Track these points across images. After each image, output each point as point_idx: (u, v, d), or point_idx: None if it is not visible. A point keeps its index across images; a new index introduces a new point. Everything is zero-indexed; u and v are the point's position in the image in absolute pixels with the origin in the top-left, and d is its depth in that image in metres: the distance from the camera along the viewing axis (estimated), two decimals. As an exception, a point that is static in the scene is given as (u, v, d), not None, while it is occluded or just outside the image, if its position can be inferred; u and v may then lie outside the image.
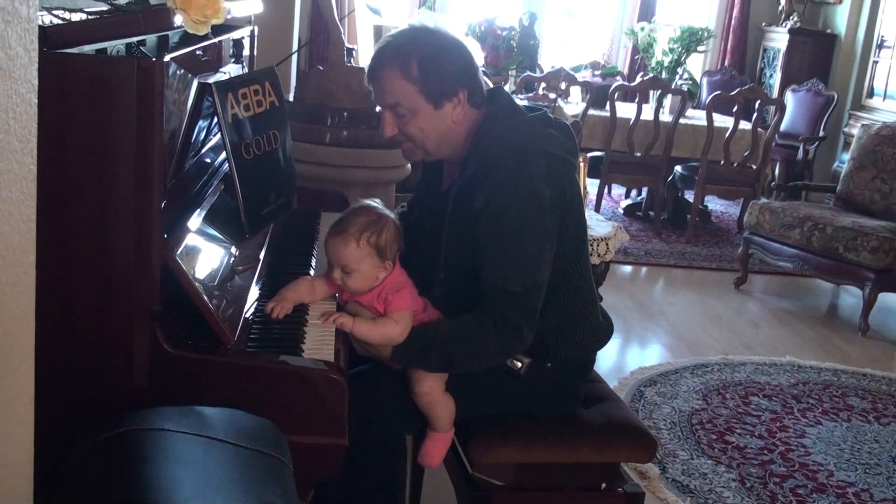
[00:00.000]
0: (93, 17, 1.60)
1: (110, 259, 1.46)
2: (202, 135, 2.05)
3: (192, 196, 1.80)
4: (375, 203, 1.95)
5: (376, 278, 1.90)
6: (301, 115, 3.38)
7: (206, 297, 1.53)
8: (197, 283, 1.53)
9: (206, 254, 1.69)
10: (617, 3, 8.73)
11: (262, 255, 1.96)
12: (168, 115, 1.54)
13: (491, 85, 2.18)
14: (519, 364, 2.03)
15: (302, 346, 1.73)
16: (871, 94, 7.72)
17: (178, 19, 1.56)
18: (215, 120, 1.96)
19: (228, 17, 1.97)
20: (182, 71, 1.64)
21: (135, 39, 1.69)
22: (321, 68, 3.54)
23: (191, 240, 1.62)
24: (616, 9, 8.75)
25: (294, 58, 4.82)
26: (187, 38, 1.98)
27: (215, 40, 2.05)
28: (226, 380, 1.55)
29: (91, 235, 1.45)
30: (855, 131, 7.60)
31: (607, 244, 3.19)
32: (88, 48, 1.47)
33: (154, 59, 1.42)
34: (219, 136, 2.17)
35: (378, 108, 2.04)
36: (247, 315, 1.77)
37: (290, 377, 1.57)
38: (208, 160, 2.08)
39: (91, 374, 1.52)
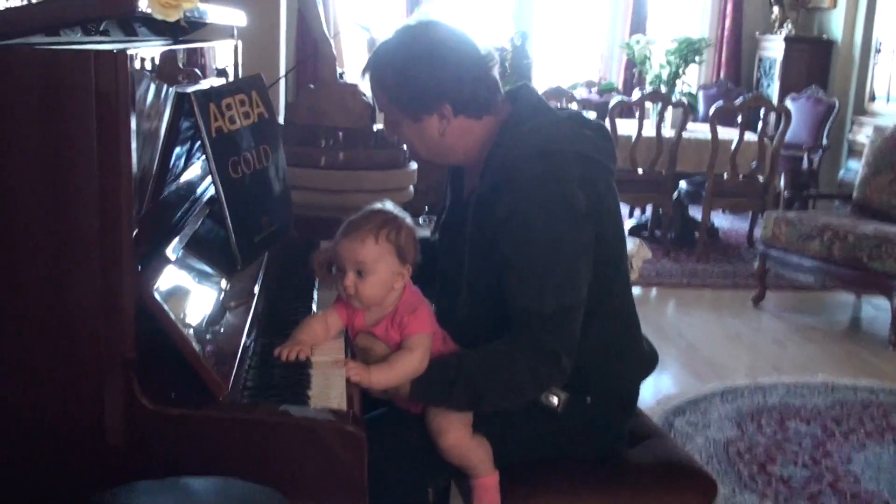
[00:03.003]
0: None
1: (71, 298, 1.20)
2: (183, 156, 1.80)
3: (173, 224, 1.55)
4: (388, 205, 1.71)
5: (392, 287, 1.66)
6: (292, 139, 3.13)
7: (191, 340, 1.27)
8: (180, 324, 1.27)
9: (190, 289, 1.44)
10: (608, 18, 8.54)
11: (256, 289, 1.70)
12: (139, 125, 1.29)
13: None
14: (555, 400, 1.77)
15: (308, 392, 1.47)
16: (872, 98, 7.52)
17: (143, 2, 1.30)
18: (198, 139, 1.71)
19: (207, 19, 1.73)
20: (152, 74, 1.39)
21: (99, 47, 1.44)
22: (312, 87, 3.29)
23: (171, 273, 1.37)
24: (607, 24, 8.56)
25: (282, 68, 4.59)
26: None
27: (194, 46, 1.81)
28: (218, 440, 1.28)
29: (45, 270, 1.20)
30: (859, 137, 7.43)
31: (631, 262, 2.94)
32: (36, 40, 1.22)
33: (116, 52, 1.17)
34: (202, 155, 1.92)
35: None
36: (241, 359, 1.50)
37: (296, 432, 1.30)
38: (191, 184, 1.82)
39: (54, 440, 1.26)
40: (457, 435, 1.68)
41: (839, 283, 4.75)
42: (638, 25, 8.11)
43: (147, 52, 1.45)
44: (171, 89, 1.60)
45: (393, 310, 1.68)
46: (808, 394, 3.82)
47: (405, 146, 1.84)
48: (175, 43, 1.69)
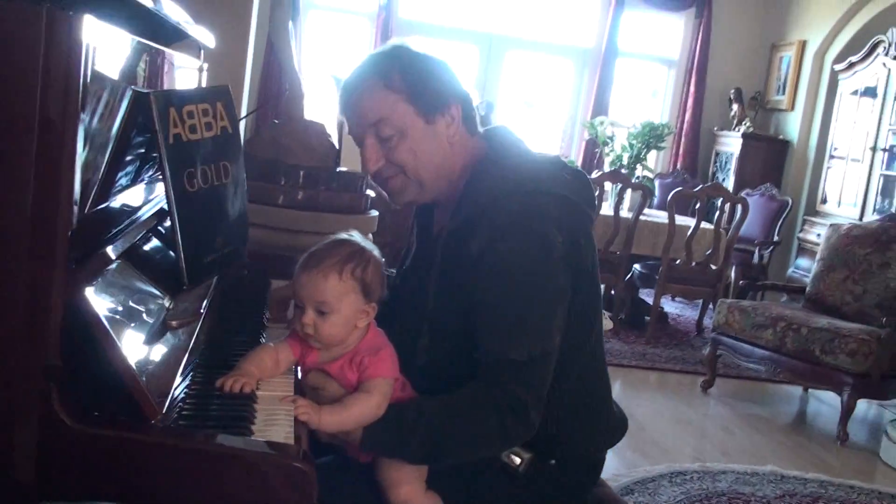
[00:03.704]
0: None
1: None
2: (135, 165, 1.66)
3: (117, 231, 1.40)
4: (354, 236, 1.58)
5: (355, 326, 1.52)
6: (251, 172, 2.98)
7: (124, 353, 1.12)
8: (113, 332, 1.11)
9: (128, 298, 1.28)
10: (571, 96, 8.62)
11: (203, 310, 1.54)
12: (91, 112, 1.16)
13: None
14: (518, 460, 1.63)
15: (251, 426, 1.31)
16: (824, 200, 7.64)
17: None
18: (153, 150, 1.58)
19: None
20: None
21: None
22: (276, 122, 3.17)
23: (109, 277, 1.22)
24: (570, 102, 8.63)
25: (243, 109, 4.46)
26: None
27: (159, 47, 1.68)
28: (146, 467, 1.12)
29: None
30: (810, 236, 7.52)
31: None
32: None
33: (72, 14, 1.04)
34: (155, 169, 1.79)
35: (359, 140, 1.66)
36: (179, 384, 1.35)
37: (237, 465, 1.14)
38: (142, 196, 1.68)
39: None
40: (410, 489, 1.53)
41: (790, 375, 4.68)
42: (600, 108, 8.19)
43: (107, 36, 1.32)
44: (128, 87, 1.47)
45: (353, 349, 1.54)
46: (757, 482, 3.72)
47: (392, 182, 1.66)
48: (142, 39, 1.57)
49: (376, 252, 1.60)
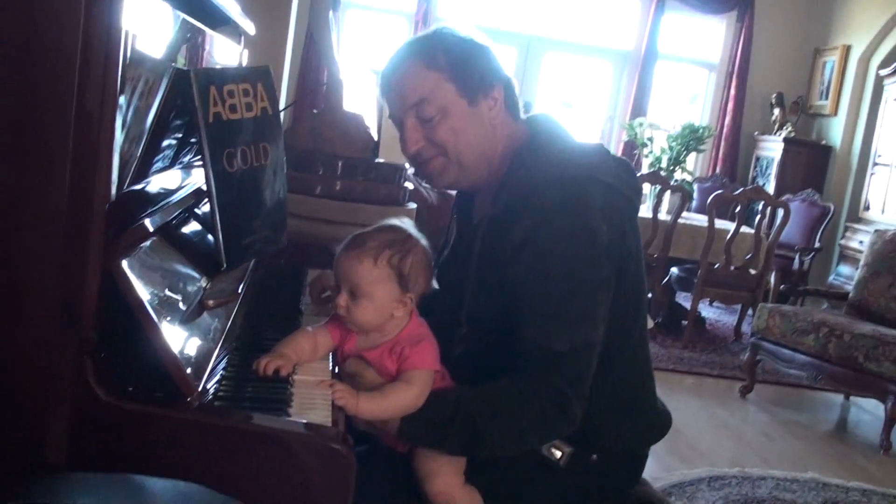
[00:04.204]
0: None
1: (20, 251, 1.01)
2: (174, 147, 1.64)
3: (154, 207, 1.37)
4: (405, 223, 1.54)
5: (390, 316, 1.48)
6: (289, 162, 2.97)
7: (161, 328, 1.09)
8: (149, 307, 1.09)
9: (165, 275, 1.26)
10: (610, 98, 8.55)
11: (240, 291, 1.52)
12: (130, 89, 1.13)
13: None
14: (559, 454, 1.59)
15: (288, 409, 1.28)
16: (867, 207, 7.50)
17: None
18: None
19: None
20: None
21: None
22: (315, 112, 3.15)
23: (145, 253, 1.19)
24: (609, 104, 8.56)
25: (282, 100, 4.45)
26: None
27: (202, 27, 1.66)
28: (181, 445, 1.09)
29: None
30: (852, 243, 7.39)
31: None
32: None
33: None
34: (194, 153, 1.77)
35: (399, 122, 1.63)
36: (215, 363, 1.32)
37: (274, 445, 1.11)
38: (179, 179, 1.66)
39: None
40: (447, 481, 1.49)
41: (832, 382, 4.58)
42: (639, 110, 8.11)
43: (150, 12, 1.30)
44: (171, 64, 1.45)
45: (394, 338, 1.50)
46: (798, 489, 3.63)
47: (432, 164, 1.62)
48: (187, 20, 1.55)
49: (423, 242, 1.55)
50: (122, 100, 1.31)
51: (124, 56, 1.12)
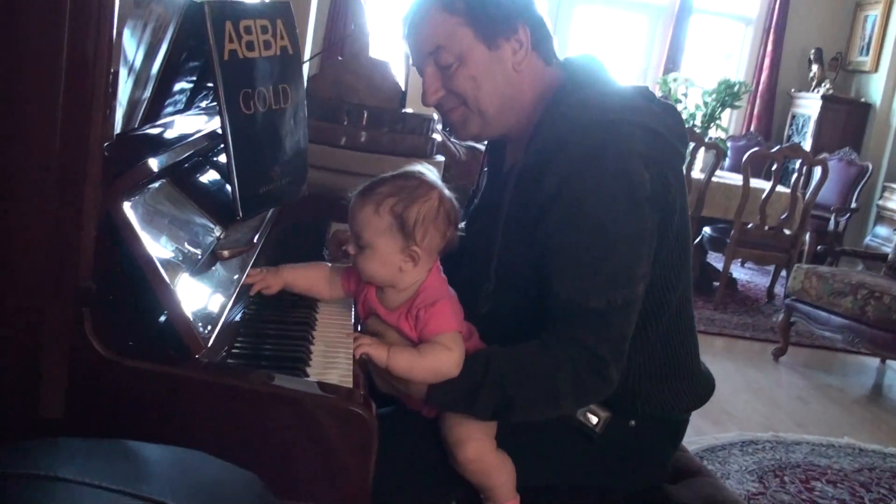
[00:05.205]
0: None
1: (11, 195, 0.92)
2: (184, 94, 1.54)
3: (163, 149, 1.27)
4: (426, 170, 1.43)
5: (398, 269, 1.37)
6: (312, 112, 2.85)
7: (166, 276, 1.00)
8: (152, 254, 0.99)
9: (174, 222, 1.16)
10: (643, 54, 8.34)
11: (256, 241, 1.42)
12: (143, 24, 1.03)
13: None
14: (595, 419, 1.49)
15: (306, 368, 1.19)
16: (907, 166, 7.29)
17: None
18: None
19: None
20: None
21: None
22: (340, 59, 3.03)
23: (150, 196, 1.09)
24: (642, 59, 8.36)
25: (308, 45, 4.32)
26: None
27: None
28: (188, 407, 1.00)
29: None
30: (890, 203, 7.19)
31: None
32: None
33: None
34: (210, 99, 1.67)
35: (421, 70, 1.52)
36: (228, 317, 1.22)
37: (291, 408, 1.01)
38: (192, 124, 1.56)
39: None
40: (478, 448, 1.39)
41: (869, 345, 4.44)
42: (672, 66, 7.90)
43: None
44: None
45: (411, 298, 1.40)
46: (833, 455, 3.53)
47: (453, 115, 1.51)
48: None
49: (443, 191, 1.43)
50: (129, 38, 1.21)
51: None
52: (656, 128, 1.44)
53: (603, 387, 1.38)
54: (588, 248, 1.37)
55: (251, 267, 1.38)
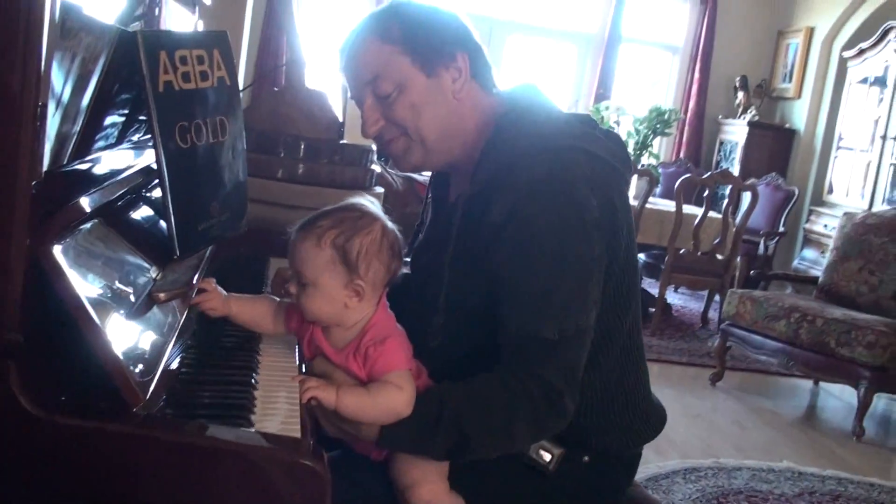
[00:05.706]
0: None
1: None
2: (120, 125, 1.47)
3: (95, 188, 1.21)
4: (367, 202, 1.38)
5: (343, 306, 1.32)
6: (248, 144, 2.78)
7: (100, 325, 0.93)
8: (86, 300, 0.93)
9: (107, 264, 1.09)
10: (574, 82, 8.43)
11: (194, 282, 1.36)
12: (66, 51, 0.97)
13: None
14: (548, 456, 1.45)
15: (251, 416, 1.12)
16: (830, 189, 7.47)
17: None
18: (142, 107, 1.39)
19: None
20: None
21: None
22: (276, 90, 2.98)
23: (82, 238, 1.02)
24: (573, 88, 8.45)
25: (241, 77, 4.24)
26: None
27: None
28: (127, 464, 0.93)
29: None
30: (816, 227, 7.36)
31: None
32: None
33: None
34: (143, 131, 1.60)
35: (359, 102, 1.49)
36: (166, 365, 1.15)
37: (237, 462, 0.95)
38: (125, 159, 1.49)
39: None
40: (432, 490, 1.34)
41: (804, 368, 4.51)
42: (604, 93, 8.00)
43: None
44: (113, 26, 1.29)
45: (358, 336, 1.34)
46: (774, 479, 3.55)
47: (394, 146, 1.47)
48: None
49: (385, 223, 1.38)
50: (57, 70, 1.14)
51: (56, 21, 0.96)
52: (600, 153, 1.43)
53: (558, 419, 1.34)
54: (538, 277, 1.35)
55: (186, 312, 1.31)
